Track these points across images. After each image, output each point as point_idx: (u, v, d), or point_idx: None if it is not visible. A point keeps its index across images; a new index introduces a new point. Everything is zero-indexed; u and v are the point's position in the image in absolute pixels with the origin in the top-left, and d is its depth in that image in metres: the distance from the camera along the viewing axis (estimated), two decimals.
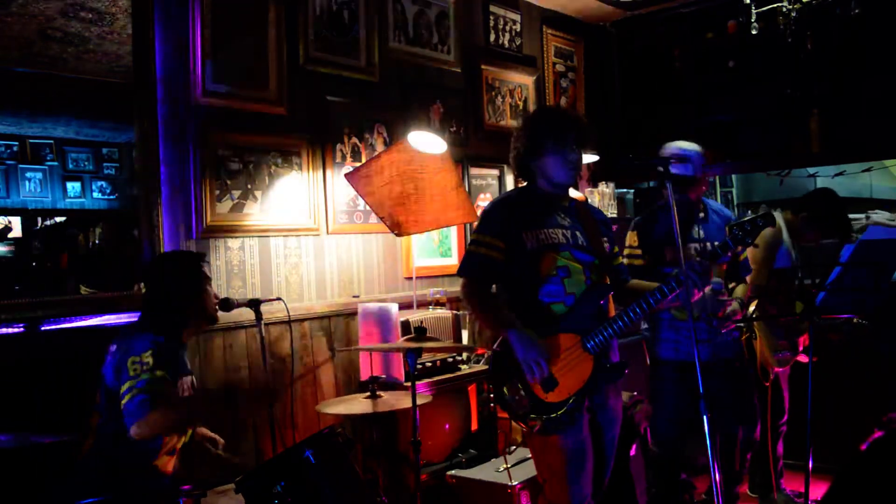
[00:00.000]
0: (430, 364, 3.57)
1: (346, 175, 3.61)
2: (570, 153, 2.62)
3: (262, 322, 2.93)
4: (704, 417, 2.29)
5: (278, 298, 3.13)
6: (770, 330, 3.67)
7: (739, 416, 3.38)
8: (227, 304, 2.79)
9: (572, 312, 2.56)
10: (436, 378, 3.54)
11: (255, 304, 2.91)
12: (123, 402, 2.34)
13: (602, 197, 5.42)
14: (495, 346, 2.62)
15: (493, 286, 2.71)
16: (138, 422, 2.31)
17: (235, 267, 3.36)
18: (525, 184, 2.77)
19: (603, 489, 2.71)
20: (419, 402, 2.85)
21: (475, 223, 3.81)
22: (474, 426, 3.78)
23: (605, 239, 2.73)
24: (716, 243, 2.70)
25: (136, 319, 2.66)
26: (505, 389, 2.56)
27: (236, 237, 3.37)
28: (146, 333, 2.47)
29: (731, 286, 3.40)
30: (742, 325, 3.47)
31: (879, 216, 5.28)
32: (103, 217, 3.40)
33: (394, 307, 3.49)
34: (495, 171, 4.71)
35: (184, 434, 2.61)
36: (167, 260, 2.86)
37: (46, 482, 2.57)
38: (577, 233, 2.65)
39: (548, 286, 2.57)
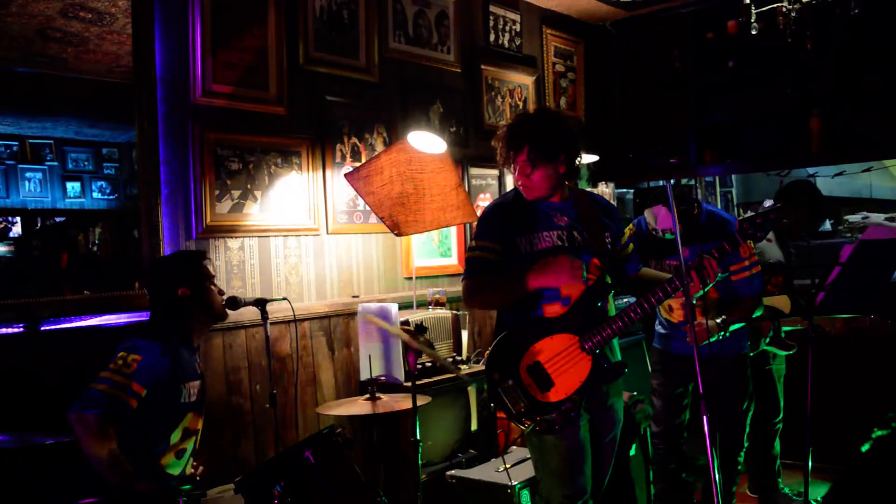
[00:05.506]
0: (430, 364, 3.57)
1: (345, 175, 3.61)
2: (513, 173, 2.62)
3: (268, 321, 2.92)
4: (704, 418, 2.28)
5: (284, 298, 3.12)
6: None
7: (720, 415, 3.36)
8: (235, 303, 2.79)
9: (569, 313, 2.55)
10: (436, 378, 3.55)
11: (261, 303, 2.90)
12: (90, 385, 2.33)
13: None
14: (490, 347, 2.62)
15: None
16: (78, 414, 2.28)
17: (235, 267, 3.36)
18: None
19: (602, 489, 2.70)
20: (419, 402, 2.85)
21: (475, 227, 3.82)
22: (474, 426, 3.78)
23: (608, 233, 2.67)
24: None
25: (137, 319, 2.64)
26: (500, 390, 2.55)
27: (236, 237, 3.37)
28: (153, 341, 2.47)
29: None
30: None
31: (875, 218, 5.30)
32: (103, 217, 3.40)
33: (394, 307, 3.49)
34: (495, 171, 4.71)
35: (194, 435, 2.59)
36: (166, 262, 2.85)
37: (46, 482, 2.56)
38: (575, 232, 2.62)
39: (544, 288, 2.56)
